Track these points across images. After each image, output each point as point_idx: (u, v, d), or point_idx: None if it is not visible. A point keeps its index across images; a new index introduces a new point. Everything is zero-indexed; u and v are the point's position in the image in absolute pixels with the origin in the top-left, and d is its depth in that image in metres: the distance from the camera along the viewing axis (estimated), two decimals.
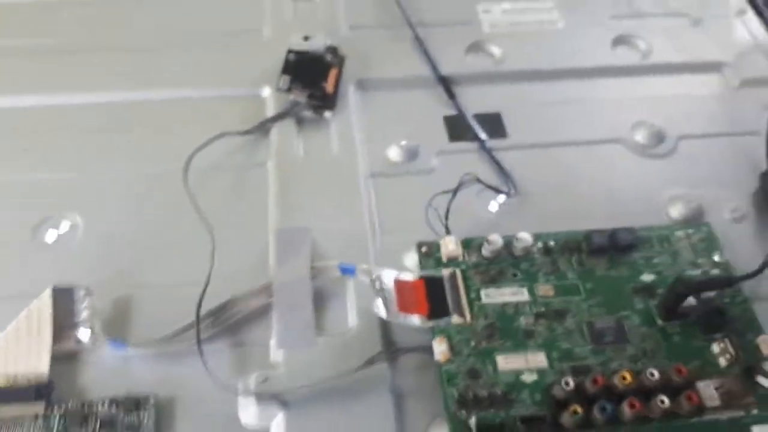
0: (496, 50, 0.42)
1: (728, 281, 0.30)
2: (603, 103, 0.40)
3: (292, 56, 0.38)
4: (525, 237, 0.32)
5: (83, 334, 0.29)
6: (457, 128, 0.38)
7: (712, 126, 0.39)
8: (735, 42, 0.43)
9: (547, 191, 0.35)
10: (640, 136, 0.38)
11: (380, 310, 0.29)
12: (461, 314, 0.30)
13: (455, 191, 0.32)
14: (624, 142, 0.38)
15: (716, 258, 0.32)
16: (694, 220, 0.34)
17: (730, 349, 0.28)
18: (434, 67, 0.40)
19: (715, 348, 0.29)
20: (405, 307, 0.30)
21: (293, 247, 0.32)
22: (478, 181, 0.33)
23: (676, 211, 0.34)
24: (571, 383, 0.27)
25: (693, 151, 0.38)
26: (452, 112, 0.38)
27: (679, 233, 0.33)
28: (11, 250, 0.32)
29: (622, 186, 0.36)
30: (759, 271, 0.30)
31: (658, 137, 0.38)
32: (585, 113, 0.39)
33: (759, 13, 0.44)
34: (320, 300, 0.31)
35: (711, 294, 0.30)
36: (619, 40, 0.43)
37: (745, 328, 0.30)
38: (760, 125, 0.38)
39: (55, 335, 0.28)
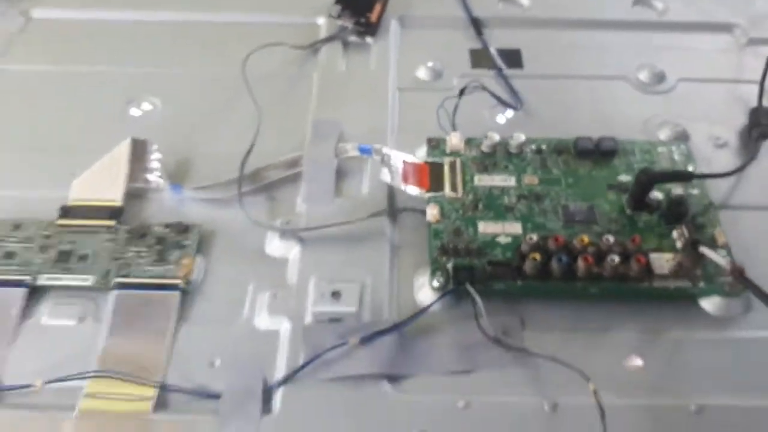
0: (525, 1, 0.47)
1: (689, 175, 0.35)
2: (615, 48, 0.45)
3: None
4: (519, 136, 0.37)
5: (152, 176, 0.36)
6: (480, 58, 0.44)
7: (714, 73, 0.43)
8: (749, 7, 0.47)
9: (551, 113, 0.41)
10: (642, 75, 0.42)
11: (385, 176, 0.35)
12: (454, 190, 0.35)
13: (461, 92, 0.37)
14: (627, 79, 0.43)
15: (690, 168, 0.36)
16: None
17: (686, 233, 0.32)
18: (467, 8, 0.46)
19: (674, 234, 0.33)
20: (409, 180, 0.36)
21: (325, 132, 0.38)
22: (483, 88, 0.39)
23: (663, 134, 0.39)
24: (535, 238, 0.32)
25: (691, 92, 0.42)
26: (478, 46, 0.45)
27: (661, 148, 0.37)
28: (108, 120, 0.40)
29: (620, 114, 0.41)
30: (720, 175, 0.35)
31: (659, 77, 0.42)
32: (596, 55, 0.44)
33: None
34: (341, 173, 0.37)
35: (679, 192, 0.35)
36: (639, 1, 0.48)
37: (705, 222, 0.34)
38: (759, 76, 0.42)
39: (129, 175, 0.36)
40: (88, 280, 0.33)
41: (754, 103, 0.40)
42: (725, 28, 0.46)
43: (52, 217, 0.35)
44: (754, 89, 0.41)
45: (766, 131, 0.38)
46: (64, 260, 0.33)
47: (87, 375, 0.29)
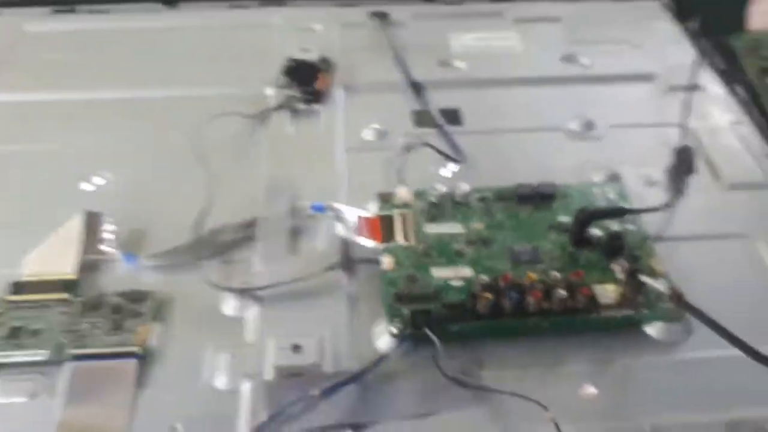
0: (461, 64, 0.50)
1: (623, 210, 0.37)
2: (547, 102, 0.48)
3: (290, 62, 0.47)
4: (464, 186, 0.39)
5: (105, 247, 0.37)
6: (422, 118, 0.46)
7: (639, 119, 0.46)
8: (666, 57, 0.51)
9: (492, 165, 0.42)
10: (574, 125, 0.45)
11: (340, 230, 0.37)
12: (407, 239, 0.37)
13: (408, 148, 0.39)
14: (560, 129, 0.45)
15: (625, 206, 0.38)
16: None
17: (626, 265, 0.34)
18: (407, 73, 0.48)
19: (615, 267, 0.35)
20: (363, 233, 0.37)
21: (278, 194, 0.40)
22: (427, 144, 0.41)
23: (597, 177, 0.41)
24: (486, 278, 0.33)
25: (620, 137, 0.45)
26: (420, 108, 0.47)
27: (596, 189, 0.40)
28: (60, 196, 0.41)
29: (556, 161, 0.43)
30: (652, 210, 0.37)
31: (589, 125, 0.45)
32: (531, 110, 0.47)
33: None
34: (297, 232, 0.38)
35: (616, 228, 0.37)
36: (567, 58, 0.51)
37: (642, 254, 0.36)
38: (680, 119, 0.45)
39: (83, 247, 0.36)
40: (40, 354, 0.32)
41: (677, 144, 0.43)
42: (646, 77, 0.49)
43: (2, 294, 0.35)
44: (677, 131, 0.44)
45: (691, 167, 0.41)
46: (15, 336, 0.33)
47: None
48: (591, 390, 0.31)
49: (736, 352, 0.29)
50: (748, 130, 0.45)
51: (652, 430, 0.29)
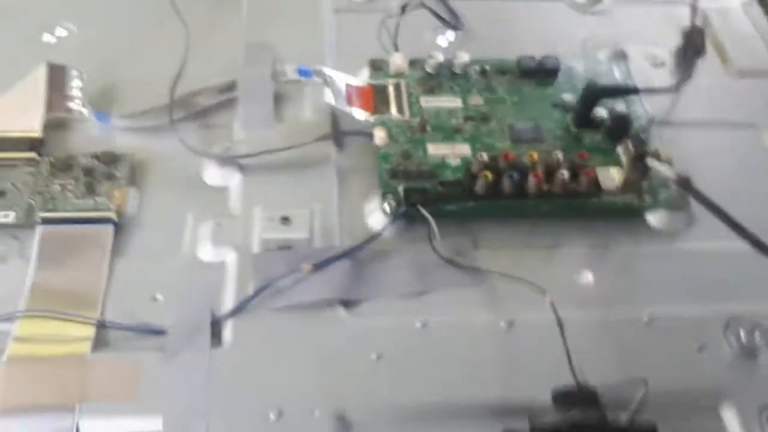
0: None
1: (634, 90, 0.35)
2: None
3: None
4: (463, 56, 0.36)
5: (73, 104, 0.33)
6: None
7: None
8: None
9: (492, 34, 0.40)
10: None
11: (329, 98, 0.34)
12: (401, 112, 0.34)
13: (403, 9, 0.36)
14: (565, 0, 0.42)
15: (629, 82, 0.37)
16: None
17: (631, 147, 0.32)
18: None
19: (619, 149, 0.33)
20: (353, 103, 0.34)
21: (259, 56, 0.36)
22: (424, 5, 0.37)
23: (602, 54, 0.39)
24: (486, 156, 0.31)
25: (627, 13, 0.42)
26: None
27: (601, 66, 0.37)
28: (19, 48, 0.37)
29: (558, 34, 0.40)
30: (664, 90, 0.36)
31: None
32: None
33: None
34: (280, 98, 0.35)
35: (623, 109, 0.35)
36: None
37: (647, 138, 0.34)
38: None
39: (48, 104, 0.33)
40: (8, 216, 0.30)
41: (686, 24, 0.41)
42: None
43: None
44: (686, 11, 0.41)
45: (699, 50, 0.39)
46: None
47: (15, 315, 0.27)
48: (588, 276, 0.30)
49: (737, 243, 0.28)
50: (759, 12, 0.43)
51: (649, 320, 0.29)
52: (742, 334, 0.28)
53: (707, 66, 0.39)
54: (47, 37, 0.37)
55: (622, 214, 0.32)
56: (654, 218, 0.32)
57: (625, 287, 0.30)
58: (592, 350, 0.28)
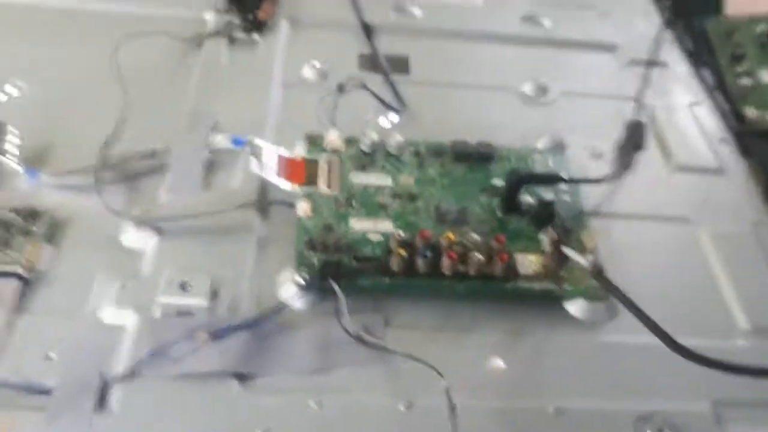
0: (417, 11, 0.47)
1: (558, 178, 0.35)
2: (502, 61, 0.45)
3: None
4: (398, 137, 0.36)
5: (5, 159, 0.34)
6: (368, 62, 0.43)
7: (595, 89, 0.44)
8: (631, 29, 0.48)
9: (435, 119, 0.40)
10: (526, 88, 0.43)
11: (255, 167, 0.34)
12: (329, 186, 0.34)
13: (340, 88, 0.36)
14: (511, 90, 0.43)
15: (564, 175, 0.36)
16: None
17: (553, 234, 0.32)
18: (359, 12, 0.45)
19: (543, 237, 0.33)
20: (282, 174, 0.34)
21: (198, 124, 0.37)
22: (364, 87, 0.38)
23: (541, 143, 0.39)
24: (403, 234, 0.31)
25: (572, 106, 0.42)
26: (368, 52, 0.44)
27: (537, 155, 0.38)
28: None
29: (501, 123, 0.40)
30: (590, 181, 0.36)
31: (542, 90, 0.43)
32: (484, 68, 0.44)
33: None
34: (213, 167, 0.35)
35: (549, 196, 0.35)
36: (528, 19, 0.48)
37: (574, 227, 0.34)
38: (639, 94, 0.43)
39: None
40: None
41: (630, 118, 0.41)
42: (608, 48, 0.47)
43: None
44: (631, 105, 0.42)
45: (640, 143, 0.39)
46: None
47: None
48: (498, 363, 0.30)
49: (656, 340, 0.27)
50: (707, 112, 0.43)
51: (555, 413, 0.28)
52: None
53: (648, 160, 0.39)
54: None
55: (541, 300, 0.32)
56: (573, 307, 0.32)
57: (535, 376, 0.29)
58: None
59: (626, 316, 0.30)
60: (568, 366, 0.30)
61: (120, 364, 0.28)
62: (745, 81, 0.46)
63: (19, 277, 0.30)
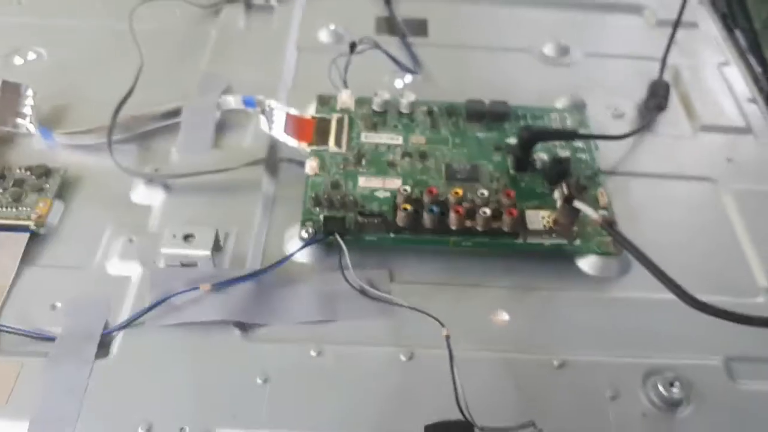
0: None
1: (572, 134, 0.34)
2: (524, 24, 0.44)
3: None
4: (410, 95, 0.36)
5: (21, 120, 0.34)
6: (385, 25, 0.43)
7: (620, 50, 0.42)
8: None
9: (451, 80, 0.40)
10: (547, 49, 0.42)
11: (265, 125, 0.34)
12: (339, 145, 0.34)
13: (352, 47, 0.36)
14: (531, 52, 0.42)
15: (581, 131, 0.36)
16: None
17: (565, 189, 0.31)
18: None
19: (556, 193, 0.32)
20: (291, 133, 0.34)
21: (211, 85, 0.37)
22: (376, 46, 0.37)
23: (560, 103, 0.38)
24: (409, 189, 0.31)
25: (594, 66, 0.41)
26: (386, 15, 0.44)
27: (554, 113, 0.37)
28: None
29: (519, 83, 0.40)
30: (606, 137, 0.35)
31: (563, 51, 0.42)
32: (505, 30, 0.44)
33: None
34: (224, 126, 0.36)
35: (563, 153, 0.34)
36: None
37: (588, 184, 0.32)
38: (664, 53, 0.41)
39: None
40: None
41: (654, 78, 0.40)
42: (636, 9, 0.46)
43: None
44: (658, 66, 0.40)
45: (662, 103, 0.37)
46: None
47: None
48: (503, 317, 0.29)
49: (668, 296, 0.26)
50: (737, 73, 0.42)
51: (559, 366, 0.27)
52: (660, 386, 0.26)
53: (672, 119, 0.38)
54: (17, 60, 0.39)
55: (551, 256, 0.31)
56: (585, 264, 0.31)
57: (541, 330, 0.29)
58: (496, 391, 0.26)
59: (638, 272, 0.30)
60: (576, 321, 0.29)
61: (125, 314, 0.28)
62: None
63: (29, 230, 0.30)
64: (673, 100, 0.39)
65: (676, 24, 0.42)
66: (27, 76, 0.37)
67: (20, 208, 0.31)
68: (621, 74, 0.41)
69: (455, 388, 0.24)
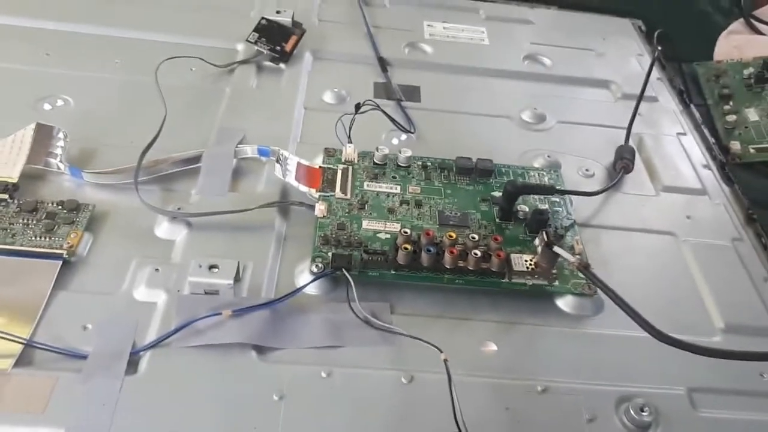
0: (428, 48, 0.52)
1: (551, 189, 0.38)
2: (505, 94, 0.49)
3: (264, 21, 0.49)
4: (407, 151, 0.40)
5: (52, 159, 0.38)
6: (382, 90, 0.47)
7: (590, 119, 0.48)
8: (624, 67, 0.53)
9: (441, 140, 0.44)
10: (525, 115, 0.47)
11: (278, 172, 0.38)
12: (344, 192, 0.38)
13: (357, 107, 0.40)
14: (512, 118, 0.47)
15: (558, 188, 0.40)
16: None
17: (545, 237, 0.35)
18: (375, 47, 0.50)
19: (536, 240, 0.36)
20: (302, 180, 0.38)
21: (228, 136, 0.41)
22: (378, 108, 0.42)
23: (537, 163, 0.43)
24: (409, 231, 0.34)
25: (567, 132, 0.47)
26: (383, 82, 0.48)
27: (532, 172, 0.41)
28: (20, 111, 0.42)
29: (501, 145, 0.44)
30: (581, 193, 0.40)
31: (540, 118, 0.47)
32: (488, 98, 0.49)
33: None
34: (239, 173, 0.39)
35: (545, 207, 0.38)
36: (530, 57, 0.53)
37: (564, 234, 0.37)
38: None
39: (30, 157, 0.37)
40: None
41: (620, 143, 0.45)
42: (603, 84, 0.51)
43: None
44: (623, 134, 0.46)
45: (627, 165, 0.42)
46: None
47: None
48: (492, 347, 0.32)
49: (637, 333, 0.30)
50: (692, 142, 0.47)
51: (542, 391, 0.31)
52: (632, 410, 0.30)
53: (637, 180, 0.43)
54: (47, 106, 0.43)
55: (532, 295, 0.35)
56: (563, 303, 0.35)
57: (525, 359, 0.32)
58: (485, 412, 0.30)
59: (610, 311, 0.34)
60: (556, 352, 0.33)
61: (151, 336, 0.31)
62: (731, 118, 0.50)
63: (61, 258, 0.33)
64: (638, 163, 0.44)
65: (640, 97, 0.47)
66: (55, 121, 0.40)
67: (53, 238, 0.34)
68: (590, 140, 0.46)
69: (453, 406, 0.28)
